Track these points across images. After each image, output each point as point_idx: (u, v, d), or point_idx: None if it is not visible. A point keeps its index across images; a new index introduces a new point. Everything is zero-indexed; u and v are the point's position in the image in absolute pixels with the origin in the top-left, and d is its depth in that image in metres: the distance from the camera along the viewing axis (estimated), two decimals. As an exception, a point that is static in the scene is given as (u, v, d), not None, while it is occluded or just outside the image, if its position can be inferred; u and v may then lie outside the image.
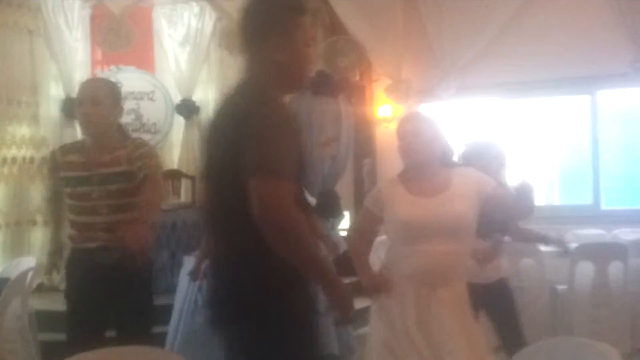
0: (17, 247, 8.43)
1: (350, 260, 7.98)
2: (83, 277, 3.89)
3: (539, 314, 6.01)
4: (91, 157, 3.82)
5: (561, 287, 6.27)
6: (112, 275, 3.74)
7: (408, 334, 3.35)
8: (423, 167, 3.49)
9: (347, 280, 7.72)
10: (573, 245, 6.33)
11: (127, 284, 3.75)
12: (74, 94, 8.73)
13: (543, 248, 6.06)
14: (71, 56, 9.00)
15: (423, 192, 3.44)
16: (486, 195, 3.38)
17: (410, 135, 3.51)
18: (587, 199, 8.40)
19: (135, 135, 9.08)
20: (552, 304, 6.21)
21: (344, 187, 8.45)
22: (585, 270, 6.16)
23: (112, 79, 3.95)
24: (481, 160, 4.04)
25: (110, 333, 4.01)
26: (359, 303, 7.80)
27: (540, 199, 6.97)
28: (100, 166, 3.78)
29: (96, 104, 3.79)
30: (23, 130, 8.66)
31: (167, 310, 6.33)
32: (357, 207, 9.06)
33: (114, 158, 3.79)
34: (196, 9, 9.55)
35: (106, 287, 3.75)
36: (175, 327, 5.88)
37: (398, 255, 3.49)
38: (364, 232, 3.72)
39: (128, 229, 3.54)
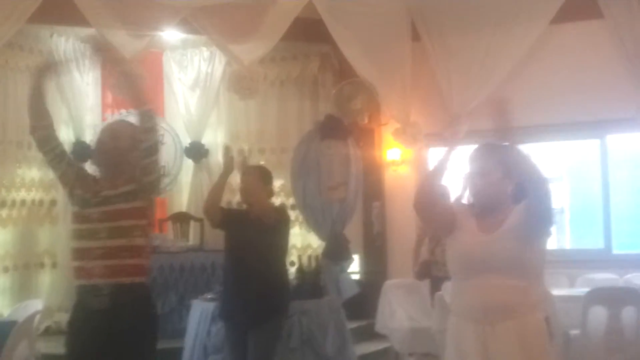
0: (24, 289, 8.42)
1: (361, 303, 7.93)
2: (79, 321, 3.77)
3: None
4: (100, 185, 3.81)
5: (574, 332, 6.20)
6: (106, 321, 3.61)
7: None
8: (490, 203, 3.41)
9: (358, 324, 7.68)
10: (585, 289, 6.26)
11: (121, 329, 3.62)
12: (84, 137, 8.95)
13: (555, 292, 6.00)
14: (82, 100, 9.08)
15: (487, 227, 3.37)
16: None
17: (478, 176, 3.41)
18: (598, 243, 8.34)
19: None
20: (565, 348, 6.13)
21: (353, 231, 8.43)
22: (598, 315, 6.09)
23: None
24: None
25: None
26: (370, 347, 7.75)
27: (551, 243, 6.92)
28: (105, 190, 3.76)
29: (114, 138, 3.83)
30: (33, 173, 8.71)
31: (176, 353, 6.29)
32: (366, 250, 9.04)
33: (119, 182, 3.76)
34: (206, 53, 9.64)
35: (99, 331, 3.62)
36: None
37: (457, 290, 3.46)
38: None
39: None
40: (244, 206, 5.29)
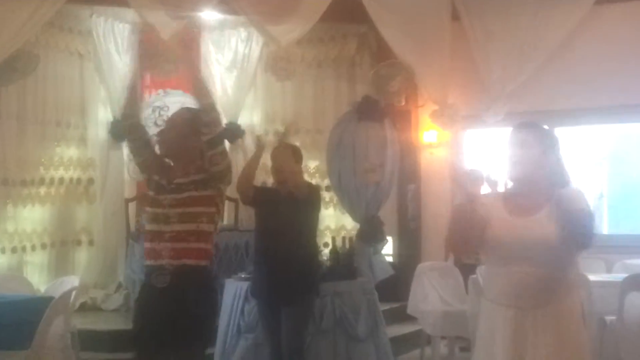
0: (61, 266, 8.55)
1: (394, 285, 7.91)
2: (144, 298, 4.04)
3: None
4: (174, 172, 4.03)
5: (610, 318, 6.11)
6: (167, 297, 3.82)
7: (499, 358, 3.26)
8: (527, 182, 3.33)
9: (390, 306, 7.66)
10: (622, 275, 6.16)
11: (182, 308, 3.80)
12: (122, 117, 9.01)
13: (592, 278, 5.92)
14: (120, 80, 9.12)
15: (519, 211, 3.29)
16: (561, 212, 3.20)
17: (518, 146, 3.33)
18: (637, 229, 8.20)
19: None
20: (600, 335, 6.05)
21: (387, 213, 8.40)
22: (635, 301, 5.99)
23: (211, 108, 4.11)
24: None
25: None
26: (402, 329, 7.74)
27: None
28: (178, 177, 3.98)
29: (173, 126, 4.05)
30: (71, 152, 8.82)
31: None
32: (401, 232, 9.00)
33: (190, 170, 3.98)
34: (244, 34, 9.62)
35: (162, 309, 3.82)
36: (221, 351, 5.88)
37: (490, 276, 3.43)
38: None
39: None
40: (276, 185, 5.30)
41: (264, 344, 5.39)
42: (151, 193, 4.04)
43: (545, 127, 3.49)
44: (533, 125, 3.44)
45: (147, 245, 3.96)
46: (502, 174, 3.34)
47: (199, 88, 4.17)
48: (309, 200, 5.08)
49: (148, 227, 4.00)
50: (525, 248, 3.21)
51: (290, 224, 4.99)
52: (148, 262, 3.94)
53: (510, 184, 3.37)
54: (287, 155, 5.18)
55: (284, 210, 5.02)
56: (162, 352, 3.85)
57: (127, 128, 4.28)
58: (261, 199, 5.18)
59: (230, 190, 9.40)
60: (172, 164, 4.10)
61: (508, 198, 3.37)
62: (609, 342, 6.04)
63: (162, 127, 4.17)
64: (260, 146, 5.28)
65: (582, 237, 3.16)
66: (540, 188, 3.31)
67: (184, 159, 4.00)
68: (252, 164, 5.26)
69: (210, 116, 3.97)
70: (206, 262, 3.94)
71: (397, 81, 8.64)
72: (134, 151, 4.21)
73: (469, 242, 3.42)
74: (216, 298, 4.11)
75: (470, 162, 8.80)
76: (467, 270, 6.63)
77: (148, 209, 4.05)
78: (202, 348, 4.01)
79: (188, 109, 4.21)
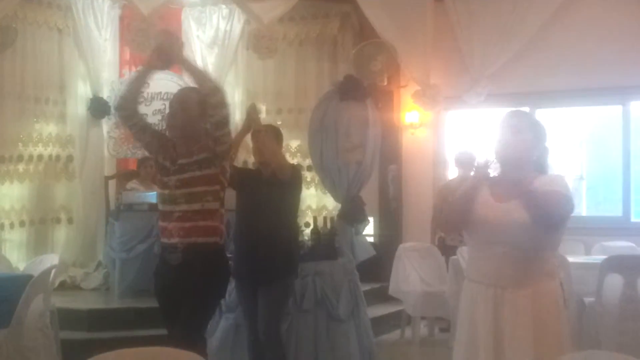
0: (41, 244, 8.48)
1: (375, 266, 7.93)
2: (160, 274, 4.22)
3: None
4: (177, 152, 4.13)
5: (588, 300, 6.17)
6: (181, 274, 4.04)
7: (479, 337, 3.30)
8: (516, 166, 3.37)
9: (371, 286, 7.68)
10: (601, 257, 6.21)
11: (195, 281, 4.01)
12: (102, 93, 8.94)
13: (571, 259, 5.96)
14: (99, 56, 9.03)
15: (502, 195, 3.35)
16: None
17: (511, 131, 3.38)
18: (616, 211, 8.27)
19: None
20: (579, 316, 6.10)
21: (368, 193, 8.38)
22: (614, 282, 6.04)
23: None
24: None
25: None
26: (383, 309, 7.78)
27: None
28: (182, 158, 4.09)
29: (184, 109, 4.09)
30: (50, 129, 8.72)
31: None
32: (382, 212, 9.01)
33: (194, 150, 4.08)
34: (225, 11, 9.56)
35: (176, 284, 4.05)
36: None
37: (472, 257, 3.50)
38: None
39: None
40: (257, 165, 5.25)
41: (244, 325, 5.38)
42: (159, 175, 4.19)
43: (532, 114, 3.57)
44: (526, 113, 3.56)
45: (161, 224, 4.16)
46: (490, 157, 3.37)
47: (200, 73, 4.19)
48: (292, 181, 5.05)
49: (160, 207, 4.17)
50: (505, 230, 3.27)
51: (271, 204, 4.96)
52: (163, 240, 4.15)
53: (497, 169, 3.40)
54: (269, 136, 5.14)
55: (266, 191, 4.98)
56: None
57: (121, 118, 4.35)
58: (241, 180, 5.14)
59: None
60: (175, 143, 4.18)
61: (493, 182, 3.42)
62: (588, 323, 6.10)
63: (170, 109, 4.23)
64: (252, 118, 5.19)
65: (547, 218, 3.21)
66: (526, 174, 3.36)
67: (192, 139, 4.09)
68: (235, 143, 5.20)
69: (217, 98, 4.03)
70: (215, 238, 4.10)
71: (379, 61, 8.61)
72: (135, 137, 4.35)
73: (454, 220, 3.51)
74: (226, 271, 4.29)
75: (456, 143, 8.82)
76: (449, 251, 6.66)
77: (158, 190, 4.23)
78: (207, 319, 4.28)
79: (192, 89, 4.23)
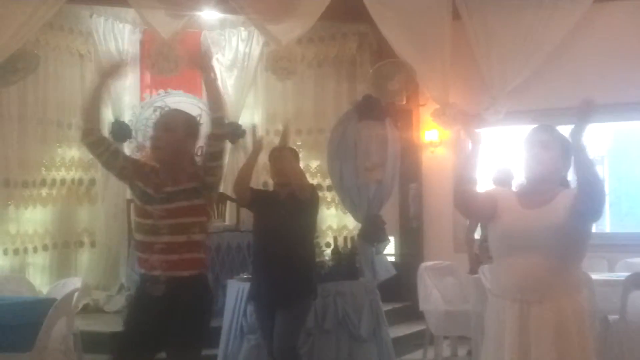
0: (64, 267, 8.54)
1: (397, 285, 7.90)
2: (137, 304, 3.97)
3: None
4: (161, 179, 3.84)
5: (612, 317, 6.11)
6: (162, 305, 3.73)
7: (506, 352, 3.28)
8: (544, 181, 3.38)
9: (393, 306, 7.65)
10: (625, 274, 6.16)
11: (178, 314, 3.73)
12: (123, 117, 9.03)
13: (594, 276, 5.91)
14: (120, 80, 9.11)
15: (531, 203, 3.36)
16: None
17: (541, 147, 3.38)
18: (638, 227, 8.20)
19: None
20: (603, 334, 6.05)
21: (389, 212, 8.38)
22: (638, 300, 5.99)
23: (192, 113, 4.05)
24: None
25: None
26: (405, 329, 7.73)
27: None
28: (168, 186, 3.81)
29: (168, 130, 3.83)
30: (72, 153, 8.81)
31: (213, 332, 6.32)
32: (403, 231, 9.00)
33: (180, 178, 3.81)
34: (244, 33, 9.63)
35: (156, 316, 3.75)
36: (224, 353, 5.88)
37: (497, 270, 3.48)
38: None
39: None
40: (276, 187, 5.27)
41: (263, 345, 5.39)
42: (138, 203, 3.88)
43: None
44: (554, 128, 3.51)
45: (140, 255, 3.86)
46: (519, 172, 3.40)
47: (217, 98, 3.96)
48: (310, 201, 5.07)
49: (137, 237, 3.88)
50: (534, 237, 3.26)
51: (289, 226, 4.97)
52: (142, 271, 3.85)
53: (524, 183, 3.44)
54: (288, 156, 5.16)
55: (283, 212, 4.99)
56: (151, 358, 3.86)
57: (88, 147, 3.91)
58: (259, 201, 5.16)
59: (232, 191, 9.45)
60: (158, 169, 3.91)
61: (520, 192, 3.46)
62: (612, 341, 6.04)
63: (154, 132, 3.94)
64: (257, 147, 5.26)
65: (598, 205, 3.23)
66: (553, 187, 3.38)
67: (177, 166, 3.83)
68: (249, 166, 5.23)
69: (223, 129, 3.89)
70: (200, 270, 3.84)
71: (396, 80, 8.63)
72: (106, 166, 3.97)
73: (470, 186, 3.52)
74: (211, 304, 4.01)
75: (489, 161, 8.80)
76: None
77: (136, 218, 3.91)
78: (197, 354, 3.93)
79: (180, 111, 4.10)
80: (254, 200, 5.15)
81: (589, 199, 3.19)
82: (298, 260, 4.99)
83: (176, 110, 4.17)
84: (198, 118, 8.65)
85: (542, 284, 3.26)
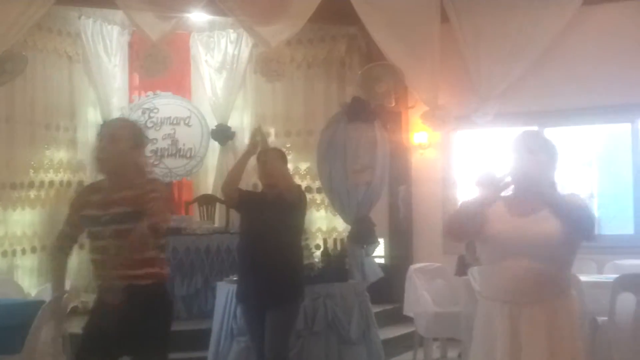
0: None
1: (386, 287, 7.90)
2: (95, 315, 3.92)
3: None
4: (107, 196, 3.75)
5: (601, 319, 6.13)
6: (120, 314, 3.67)
7: (497, 353, 3.29)
8: (531, 187, 3.37)
9: (382, 308, 7.64)
10: (613, 276, 6.18)
11: (134, 322, 3.67)
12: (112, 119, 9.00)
13: (583, 278, 5.93)
14: (109, 82, 9.12)
15: (519, 211, 3.36)
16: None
17: (528, 152, 3.38)
18: (628, 229, 8.22)
19: (170, 160, 9.23)
20: (592, 335, 6.06)
21: (378, 214, 8.39)
22: (626, 301, 6.00)
23: (138, 123, 3.99)
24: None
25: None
26: (394, 331, 7.73)
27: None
28: (114, 205, 3.71)
29: (113, 141, 3.75)
30: (61, 155, 8.78)
31: (201, 335, 6.32)
32: (392, 233, 9.00)
33: (126, 198, 3.70)
34: (233, 35, 9.62)
35: (114, 326, 3.67)
36: (214, 355, 5.86)
37: (486, 273, 3.48)
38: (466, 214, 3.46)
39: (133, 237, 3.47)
40: (264, 188, 5.25)
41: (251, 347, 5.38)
42: (87, 229, 3.84)
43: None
44: (539, 134, 3.59)
45: (93, 271, 3.85)
46: (506, 177, 3.37)
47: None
48: (298, 203, 5.06)
49: (90, 256, 3.84)
50: (524, 244, 3.27)
51: (276, 228, 4.95)
52: (97, 283, 3.84)
53: (511, 189, 3.42)
54: (277, 158, 5.16)
55: (271, 214, 4.97)
56: None
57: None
58: (246, 202, 5.15)
59: (221, 192, 9.43)
60: (107, 185, 3.83)
61: (508, 199, 3.43)
62: (601, 342, 6.05)
63: (97, 143, 3.85)
64: (251, 148, 5.20)
65: (587, 230, 3.28)
66: (541, 192, 3.37)
67: (123, 178, 3.75)
68: (239, 167, 5.20)
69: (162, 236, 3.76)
70: (155, 282, 3.77)
71: (384, 82, 8.64)
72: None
73: (467, 230, 3.44)
74: (168, 310, 3.93)
75: (469, 164, 8.83)
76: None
77: (88, 239, 3.86)
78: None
79: (125, 120, 4.05)
80: (242, 201, 5.14)
81: (577, 230, 3.26)
82: (285, 263, 4.98)
83: (120, 118, 4.06)
84: (187, 120, 8.67)
85: (532, 287, 3.27)
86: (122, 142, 3.74)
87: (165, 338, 3.84)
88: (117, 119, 4.01)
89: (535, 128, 8.47)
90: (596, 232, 3.35)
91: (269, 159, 5.12)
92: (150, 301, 3.71)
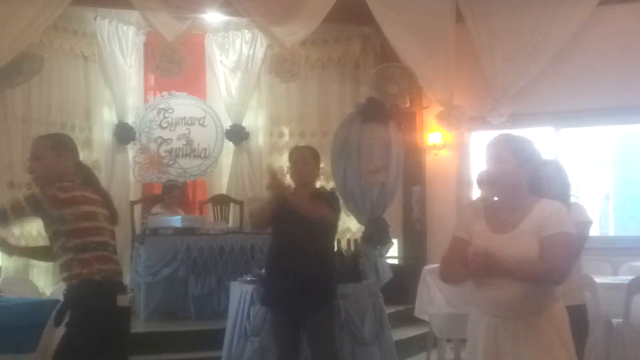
0: (67, 269, 8.51)
1: (400, 288, 7.88)
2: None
3: (593, 348, 5.83)
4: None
5: (616, 321, 6.10)
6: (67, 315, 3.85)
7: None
8: (507, 196, 3.32)
9: (396, 309, 7.62)
10: (629, 277, 6.14)
11: (71, 324, 3.80)
12: (127, 119, 9.06)
13: (598, 280, 5.90)
14: (125, 82, 9.17)
15: (499, 227, 3.29)
16: (541, 237, 3.20)
17: (492, 163, 3.31)
18: (643, 230, 8.20)
19: (185, 160, 9.26)
20: (606, 337, 6.04)
21: (392, 215, 8.39)
22: (642, 303, 5.98)
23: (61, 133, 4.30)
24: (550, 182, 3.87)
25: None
26: (408, 332, 7.70)
27: (594, 230, 6.79)
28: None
29: (37, 159, 3.90)
30: (76, 154, 8.79)
31: (214, 335, 6.33)
32: (406, 234, 8.99)
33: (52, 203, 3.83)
34: (248, 36, 9.64)
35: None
36: (227, 355, 5.87)
37: (474, 287, 3.38)
38: (456, 259, 3.38)
39: None
40: (295, 188, 5.11)
41: (269, 349, 5.36)
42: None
43: (520, 136, 3.42)
44: (505, 138, 3.39)
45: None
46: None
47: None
48: (331, 204, 4.99)
49: None
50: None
51: (312, 232, 4.83)
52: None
53: (487, 199, 3.38)
54: (309, 157, 5.03)
55: (304, 219, 4.85)
56: None
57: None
58: (278, 216, 5.00)
59: (235, 193, 9.49)
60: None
61: (490, 212, 3.37)
62: (616, 344, 6.03)
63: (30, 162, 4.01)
64: (278, 186, 4.79)
65: (551, 273, 3.16)
66: (520, 201, 3.30)
67: (48, 189, 3.81)
68: (268, 212, 4.95)
69: None
70: (84, 282, 3.82)
71: (396, 83, 8.63)
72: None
73: (459, 276, 3.39)
74: (97, 315, 3.81)
75: (479, 164, 8.79)
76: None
77: None
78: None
79: (43, 136, 4.08)
80: (274, 219, 5.01)
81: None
82: (322, 265, 4.90)
83: (39, 137, 4.13)
84: (201, 120, 8.69)
85: (515, 304, 3.21)
86: (44, 157, 3.87)
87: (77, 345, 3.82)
88: (37, 138, 4.08)
89: (548, 128, 8.50)
90: (566, 270, 3.20)
91: (302, 157, 5.06)
92: (80, 309, 3.78)
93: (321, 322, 4.88)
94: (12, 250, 4.30)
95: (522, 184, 3.31)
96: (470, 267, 3.13)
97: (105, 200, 4.00)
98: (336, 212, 5.05)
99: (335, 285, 5.15)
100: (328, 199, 4.93)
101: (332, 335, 4.96)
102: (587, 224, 4.39)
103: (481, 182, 3.35)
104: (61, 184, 3.82)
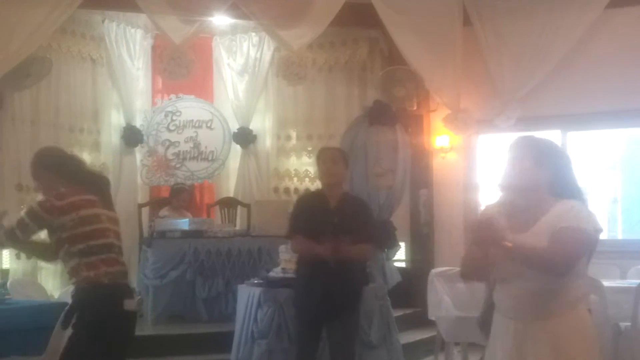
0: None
1: (407, 291, 7.88)
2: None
3: (600, 352, 5.81)
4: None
5: (624, 324, 6.08)
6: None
7: None
8: (524, 196, 3.31)
9: (403, 312, 7.62)
10: (637, 281, 6.13)
11: (79, 325, 3.86)
12: (135, 122, 9.08)
13: (606, 283, 5.89)
14: (132, 85, 9.19)
15: (517, 226, 3.27)
16: (553, 231, 3.16)
17: (508, 164, 3.32)
18: (652, 234, 8.17)
19: (192, 163, 9.29)
20: (615, 341, 6.02)
21: (400, 218, 8.38)
22: (650, 307, 5.96)
23: None
24: None
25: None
26: (415, 335, 7.69)
27: (602, 234, 6.76)
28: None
29: (36, 180, 4.16)
30: (84, 157, 8.77)
31: (222, 338, 6.34)
32: (413, 237, 8.98)
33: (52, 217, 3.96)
34: (255, 39, 9.66)
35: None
36: (235, 357, 5.88)
37: (496, 290, 3.40)
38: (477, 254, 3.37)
39: None
40: (323, 188, 5.11)
41: (276, 351, 5.38)
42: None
43: (541, 138, 3.44)
44: (525, 140, 3.40)
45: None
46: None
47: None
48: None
49: None
50: (520, 264, 3.18)
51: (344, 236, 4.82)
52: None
53: (506, 200, 3.37)
54: (338, 158, 5.06)
55: (337, 220, 4.86)
56: None
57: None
58: (305, 226, 4.98)
59: (242, 195, 9.51)
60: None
61: (508, 212, 3.35)
62: (623, 348, 6.01)
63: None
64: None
65: (554, 266, 3.13)
66: (539, 201, 3.28)
67: (43, 202, 3.95)
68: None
69: None
70: (91, 285, 3.87)
71: (405, 86, 8.63)
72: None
73: (482, 273, 3.41)
74: (96, 309, 3.89)
75: (488, 167, 8.78)
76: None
77: None
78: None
79: (35, 155, 4.26)
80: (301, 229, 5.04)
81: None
82: (356, 270, 4.98)
83: (32, 158, 4.27)
84: (209, 123, 8.66)
85: (534, 306, 3.20)
86: (37, 173, 4.13)
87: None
88: (32, 159, 4.25)
89: (556, 131, 8.48)
90: (571, 263, 3.15)
91: (332, 157, 5.05)
92: (87, 312, 3.84)
93: (347, 324, 4.96)
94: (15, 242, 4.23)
95: (543, 186, 3.29)
96: (475, 233, 3.18)
97: (102, 194, 4.07)
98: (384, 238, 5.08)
99: (362, 289, 5.20)
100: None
101: (354, 337, 5.05)
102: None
103: (503, 186, 3.32)
104: (57, 192, 3.88)
